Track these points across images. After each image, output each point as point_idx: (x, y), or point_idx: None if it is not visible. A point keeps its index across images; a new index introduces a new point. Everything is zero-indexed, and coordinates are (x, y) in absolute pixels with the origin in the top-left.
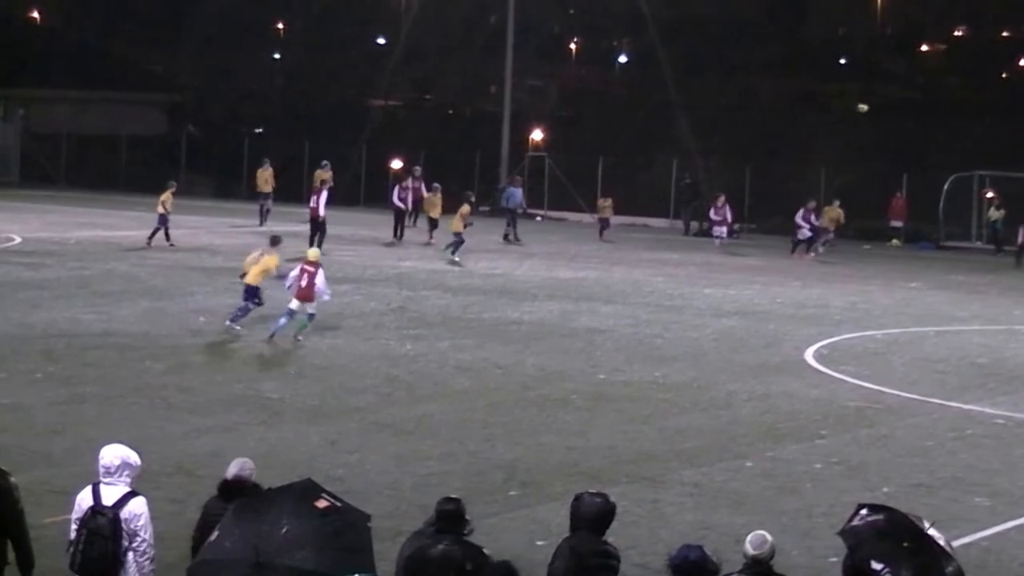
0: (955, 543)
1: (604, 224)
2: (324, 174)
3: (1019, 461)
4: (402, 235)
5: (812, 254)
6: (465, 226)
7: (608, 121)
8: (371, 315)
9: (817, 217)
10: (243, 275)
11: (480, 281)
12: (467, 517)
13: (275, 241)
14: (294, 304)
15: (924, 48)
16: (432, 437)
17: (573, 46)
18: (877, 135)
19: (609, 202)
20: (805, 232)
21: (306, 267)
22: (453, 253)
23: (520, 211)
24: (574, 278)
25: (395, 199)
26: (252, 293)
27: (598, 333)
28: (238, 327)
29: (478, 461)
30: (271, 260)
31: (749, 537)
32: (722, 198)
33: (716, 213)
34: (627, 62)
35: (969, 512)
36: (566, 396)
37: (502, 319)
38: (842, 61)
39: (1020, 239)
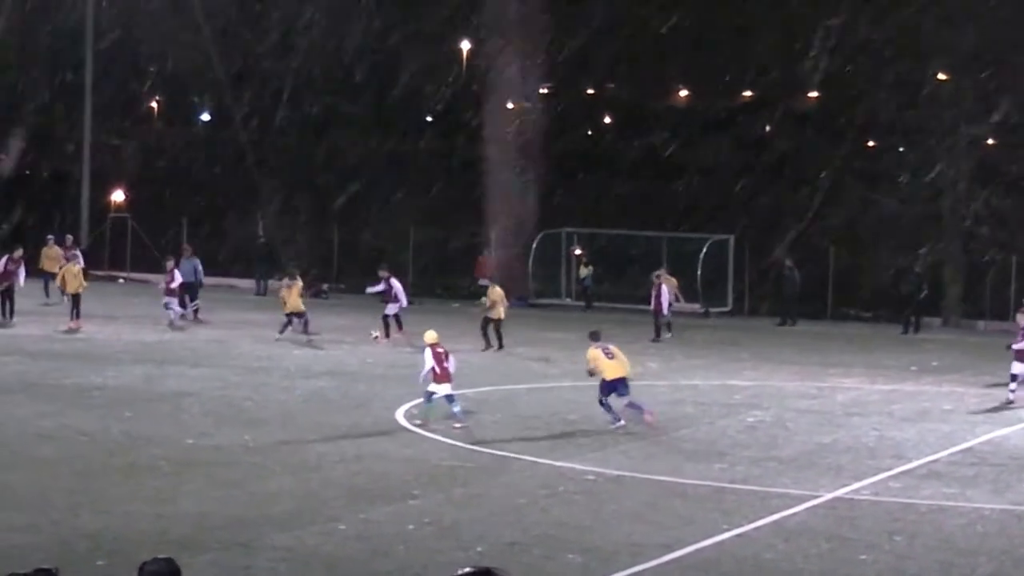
0: None
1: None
2: None
3: (610, 517)
4: None
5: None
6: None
7: (192, 181)
8: None
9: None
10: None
11: (61, 345)
12: None
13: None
14: (434, 388)
15: (510, 105)
16: (12, 508)
17: (154, 104)
18: (462, 192)
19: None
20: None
21: (437, 351)
22: (306, 331)
23: (195, 281)
24: (160, 341)
25: None
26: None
27: (185, 397)
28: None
29: (62, 531)
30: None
31: None
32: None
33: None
34: (209, 120)
35: (562, 570)
36: (153, 462)
37: (85, 384)
38: (428, 118)
39: (655, 304)
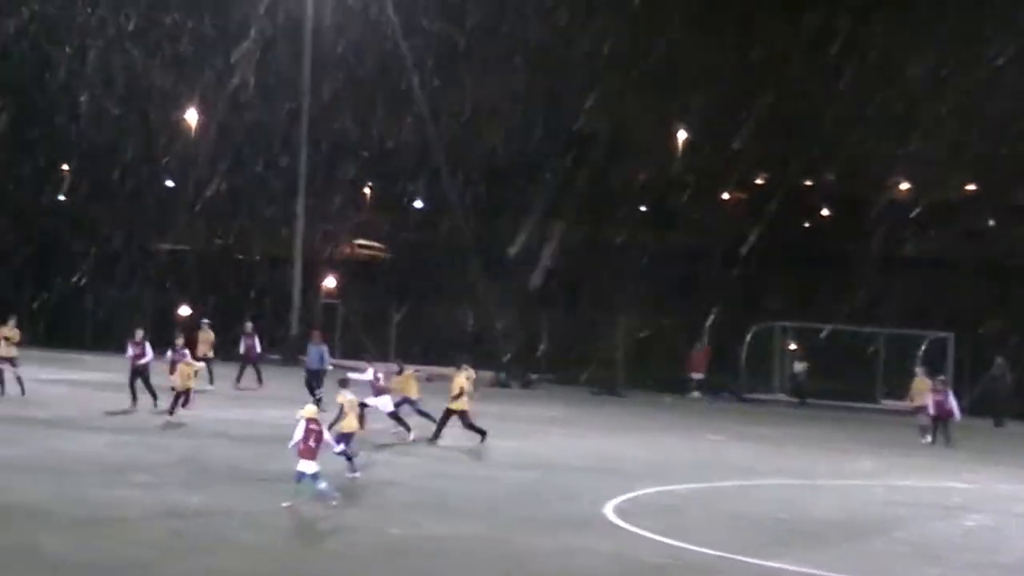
0: None
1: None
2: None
3: None
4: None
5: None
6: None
7: (403, 268)
8: (155, 467)
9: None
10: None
11: (267, 430)
12: None
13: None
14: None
15: (725, 196)
16: None
17: (367, 190)
18: (677, 284)
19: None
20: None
21: (311, 427)
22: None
23: (321, 368)
24: (370, 429)
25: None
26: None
27: (392, 485)
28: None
29: None
30: None
31: None
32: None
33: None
34: (423, 207)
35: None
36: (356, 552)
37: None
38: (642, 208)
39: (937, 410)
